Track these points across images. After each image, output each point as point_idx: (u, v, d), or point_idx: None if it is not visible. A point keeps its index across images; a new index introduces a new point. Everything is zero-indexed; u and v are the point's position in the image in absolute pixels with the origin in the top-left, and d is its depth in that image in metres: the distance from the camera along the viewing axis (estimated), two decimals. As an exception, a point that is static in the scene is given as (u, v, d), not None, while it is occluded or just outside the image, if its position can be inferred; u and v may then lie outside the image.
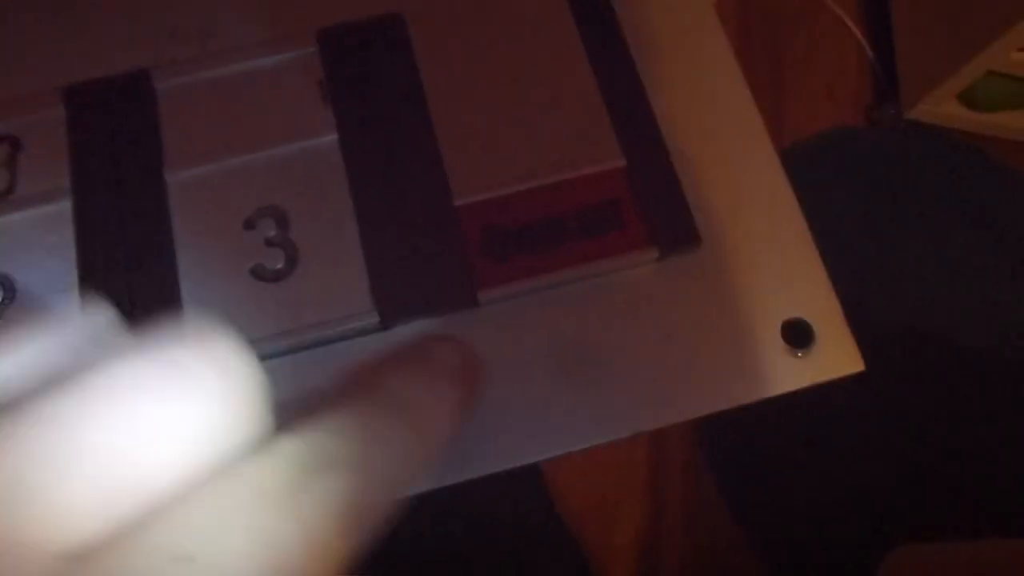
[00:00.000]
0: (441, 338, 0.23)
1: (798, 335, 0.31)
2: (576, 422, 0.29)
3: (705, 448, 0.76)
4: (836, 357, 0.31)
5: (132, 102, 0.32)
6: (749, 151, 0.34)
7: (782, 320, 0.31)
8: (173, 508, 0.14)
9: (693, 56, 0.35)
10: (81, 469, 0.14)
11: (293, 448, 0.17)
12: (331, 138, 0.32)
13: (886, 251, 0.95)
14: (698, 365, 0.31)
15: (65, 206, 0.31)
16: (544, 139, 0.33)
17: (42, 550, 0.13)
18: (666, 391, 0.30)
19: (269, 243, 0.31)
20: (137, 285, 0.30)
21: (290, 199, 0.31)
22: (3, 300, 0.30)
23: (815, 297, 0.32)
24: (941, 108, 1.05)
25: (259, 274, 0.31)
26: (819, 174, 1.00)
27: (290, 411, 0.18)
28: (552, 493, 0.53)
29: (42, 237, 0.30)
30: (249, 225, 0.31)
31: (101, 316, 0.17)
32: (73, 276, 0.30)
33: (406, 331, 0.30)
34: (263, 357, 0.29)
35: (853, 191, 1.01)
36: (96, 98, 0.32)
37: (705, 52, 0.35)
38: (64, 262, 0.30)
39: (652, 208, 0.32)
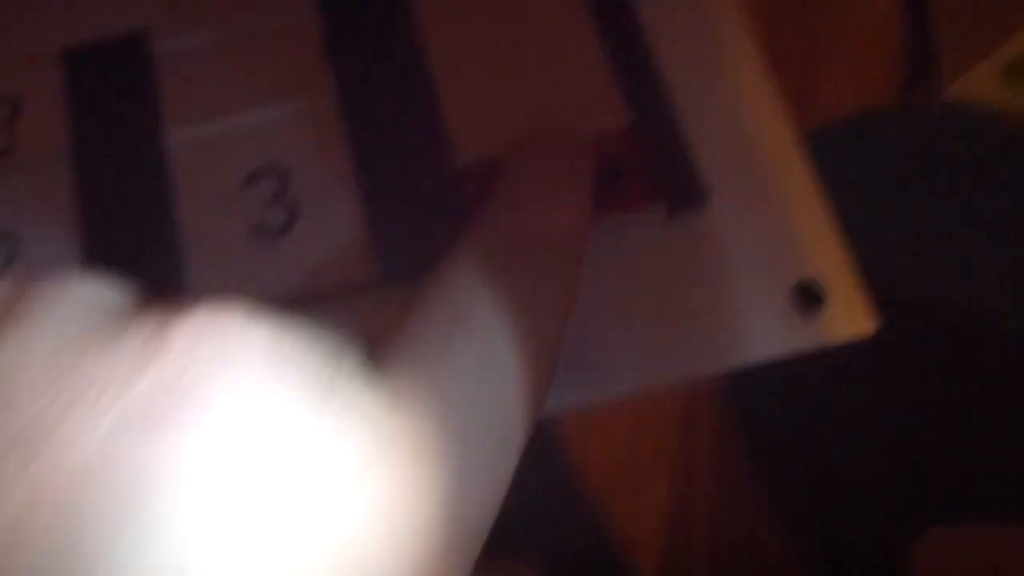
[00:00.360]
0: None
1: (809, 295, 0.30)
2: (573, 380, 0.28)
3: (738, 418, 0.75)
4: (849, 318, 0.31)
5: (130, 63, 0.32)
6: (756, 108, 0.33)
7: (792, 280, 0.31)
8: None
9: (699, 11, 0.34)
10: None
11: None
12: (332, 96, 0.32)
13: (924, 239, 0.92)
14: (703, 324, 0.30)
15: (65, 167, 0.31)
16: (547, 96, 0.32)
17: None
18: (669, 350, 0.30)
19: (270, 201, 0.31)
20: (137, 243, 0.30)
21: (291, 157, 0.31)
22: (8, 257, 0.30)
23: (826, 257, 0.31)
24: (984, 86, 1.02)
25: (260, 231, 0.31)
26: (850, 159, 0.98)
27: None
28: (576, 466, 0.53)
29: (42, 197, 0.31)
30: (249, 183, 0.31)
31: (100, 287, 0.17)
32: (73, 235, 0.30)
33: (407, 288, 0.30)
34: None
35: (886, 177, 0.99)
36: (94, 59, 0.32)
37: (714, 6, 0.34)
38: (64, 221, 0.30)
39: (658, 166, 0.31)
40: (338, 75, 0.32)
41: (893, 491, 0.76)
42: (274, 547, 0.14)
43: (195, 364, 0.15)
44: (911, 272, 0.89)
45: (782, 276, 0.31)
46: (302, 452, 0.15)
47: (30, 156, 0.31)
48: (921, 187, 0.96)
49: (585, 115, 0.32)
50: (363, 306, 0.29)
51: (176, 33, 0.33)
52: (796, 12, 1.04)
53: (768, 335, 0.30)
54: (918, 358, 0.84)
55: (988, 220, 0.96)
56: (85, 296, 0.16)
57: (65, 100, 0.32)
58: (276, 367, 0.15)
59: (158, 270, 0.30)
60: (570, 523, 0.49)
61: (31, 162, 0.31)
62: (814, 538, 0.72)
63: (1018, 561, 0.56)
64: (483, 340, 0.20)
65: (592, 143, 0.30)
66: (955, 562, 0.60)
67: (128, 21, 0.33)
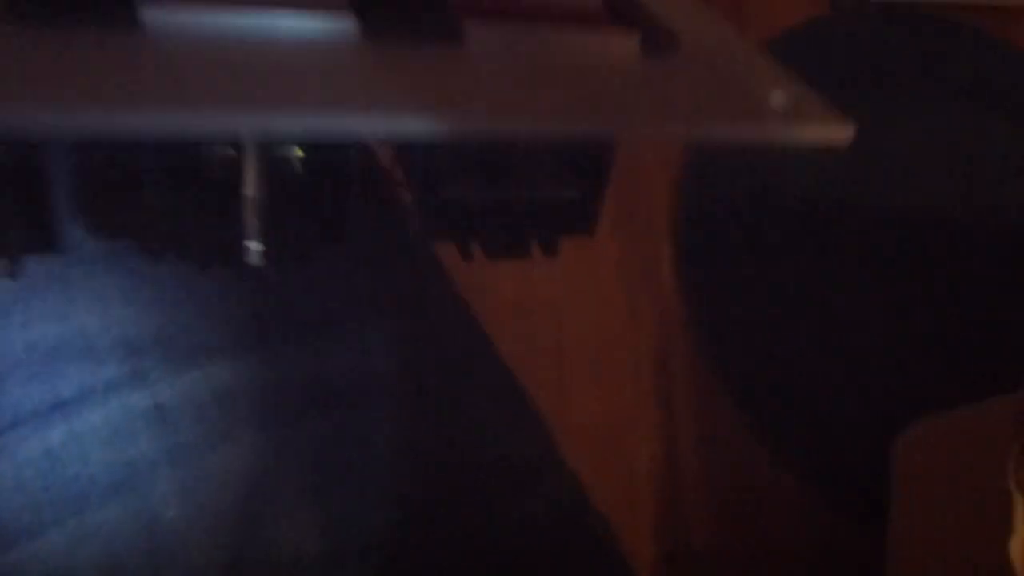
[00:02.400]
0: None
1: (786, 102, 0.33)
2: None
3: (713, 357, 0.75)
4: (826, 123, 0.34)
5: None
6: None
7: (768, 93, 0.33)
8: None
9: None
10: None
11: None
12: None
13: (880, 141, 0.92)
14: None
15: None
16: None
17: None
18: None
19: None
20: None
21: None
22: None
23: (791, 82, 0.35)
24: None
25: None
26: (792, 69, 0.97)
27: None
28: (556, 436, 0.52)
29: None
30: None
31: None
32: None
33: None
34: None
35: (831, 86, 0.98)
36: None
37: None
38: None
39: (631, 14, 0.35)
40: None
41: (870, 396, 0.76)
42: None
43: None
44: (872, 189, 0.89)
45: (759, 92, 0.33)
46: None
47: None
48: (871, 93, 0.95)
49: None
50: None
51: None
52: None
53: (753, 123, 0.32)
54: (882, 267, 0.84)
55: (944, 115, 0.95)
56: None
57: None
58: None
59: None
60: (556, 494, 0.48)
61: None
62: (800, 463, 0.72)
63: (999, 432, 0.56)
64: None
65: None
66: (940, 444, 0.61)
67: None
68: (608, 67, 0.33)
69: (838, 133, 0.33)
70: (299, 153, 0.33)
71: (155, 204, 0.33)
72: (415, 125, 0.27)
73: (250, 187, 0.33)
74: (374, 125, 0.28)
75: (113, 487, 0.37)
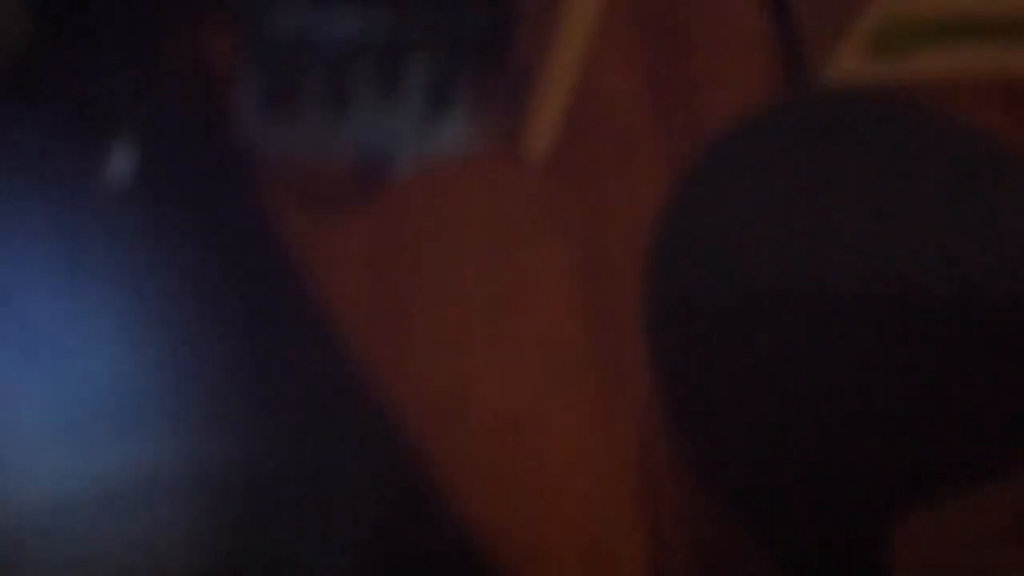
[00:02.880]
0: None
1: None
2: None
3: (695, 451, 0.74)
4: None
5: None
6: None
7: None
8: None
9: None
10: None
11: None
12: None
13: (833, 219, 0.93)
14: None
15: None
16: None
17: None
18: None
19: None
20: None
21: None
22: None
23: None
24: (852, 63, 1.04)
25: None
26: (748, 158, 0.99)
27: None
28: (542, 547, 0.50)
29: None
30: None
31: None
32: None
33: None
34: None
35: (784, 169, 1.00)
36: None
37: None
38: None
39: None
40: None
41: (860, 478, 0.75)
42: None
43: None
44: (830, 268, 0.89)
45: None
46: None
47: None
48: (821, 173, 0.97)
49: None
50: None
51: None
52: (671, 35, 1.05)
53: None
54: (874, 336, 0.84)
55: (886, 191, 0.97)
56: None
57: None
58: None
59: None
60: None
61: None
62: (789, 546, 0.71)
63: (996, 524, 0.55)
64: None
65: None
66: (937, 539, 0.59)
67: None
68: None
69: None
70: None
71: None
72: None
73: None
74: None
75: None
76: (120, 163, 0.40)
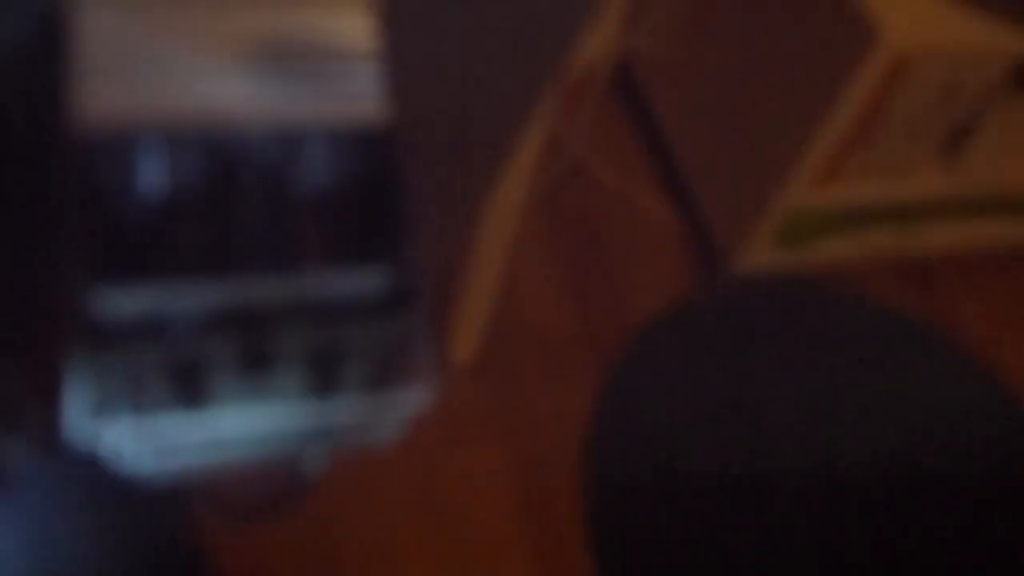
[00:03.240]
0: None
1: None
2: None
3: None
4: None
5: None
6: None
7: None
8: None
9: None
10: None
11: None
12: None
13: (760, 402, 0.97)
14: None
15: None
16: None
17: None
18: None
19: None
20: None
21: None
22: None
23: None
24: (762, 255, 1.11)
25: None
26: (674, 348, 1.03)
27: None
28: None
29: None
30: None
31: None
32: None
33: None
34: None
35: (709, 358, 1.04)
36: None
37: None
38: None
39: None
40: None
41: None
42: None
43: None
44: (761, 452, 0.92)
45: None
46: None
47: None
48: (743, 360, 1.01)
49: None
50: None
51: None
52: (591, 248, 1.11)
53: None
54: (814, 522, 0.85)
55: (802, 372, 1.01)
56: None
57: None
58: None
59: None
60: None
61: None
62: None
63: None
64: None
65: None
66: None
67: None
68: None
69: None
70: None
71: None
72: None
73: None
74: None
75: None
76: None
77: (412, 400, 0.34)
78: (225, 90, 0.31)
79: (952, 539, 0.81)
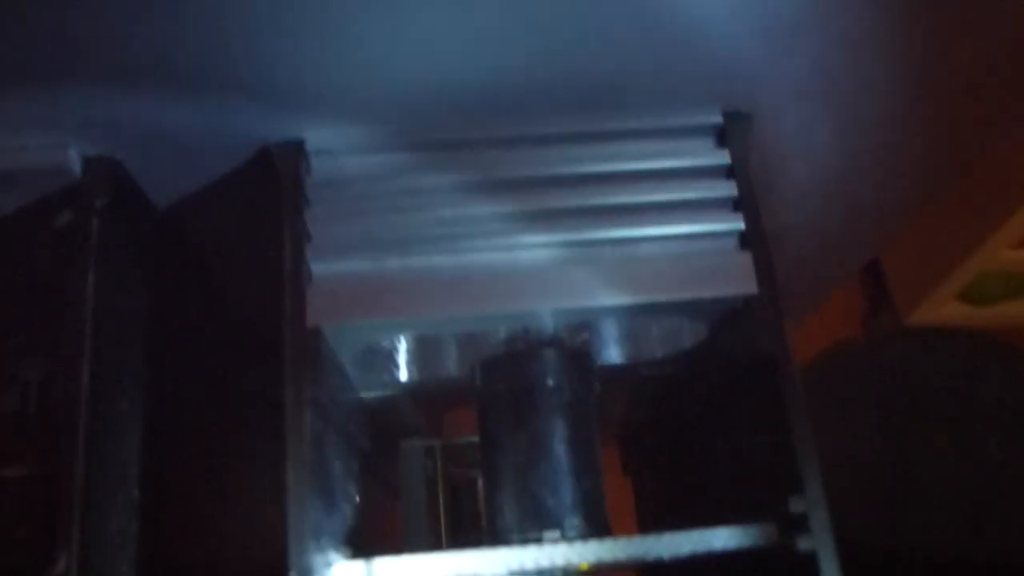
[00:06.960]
0: None
1: None
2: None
3: None
4: None
5: None
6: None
7: None
8: None
9: None
10: None
11: None
12: None
13: (912, 468, 0.92)
14: None
15: None
16: None
17: None
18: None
19: None
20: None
21: None
22: None
23: None
24: (940, 310, 1.05)
25: None
26: (827, 395, 0.99)
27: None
28: None
29: None
30: None
31: None
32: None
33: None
34: None
35: (866, 408, 0.99)
36: None
37: None
38: None
39: None
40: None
41: None
42: None
43: None
44: (910, 523, 0.88)
45: None
46: None
47: None
48: (902, 414, 0.96)
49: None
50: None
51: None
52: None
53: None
54: None
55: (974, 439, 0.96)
56: None
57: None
58: None
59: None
60: None
61: None
62: None
63: None
64: None
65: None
66: None
67: None
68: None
69: None
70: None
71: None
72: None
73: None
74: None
75: None
76: None
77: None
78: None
79: None
